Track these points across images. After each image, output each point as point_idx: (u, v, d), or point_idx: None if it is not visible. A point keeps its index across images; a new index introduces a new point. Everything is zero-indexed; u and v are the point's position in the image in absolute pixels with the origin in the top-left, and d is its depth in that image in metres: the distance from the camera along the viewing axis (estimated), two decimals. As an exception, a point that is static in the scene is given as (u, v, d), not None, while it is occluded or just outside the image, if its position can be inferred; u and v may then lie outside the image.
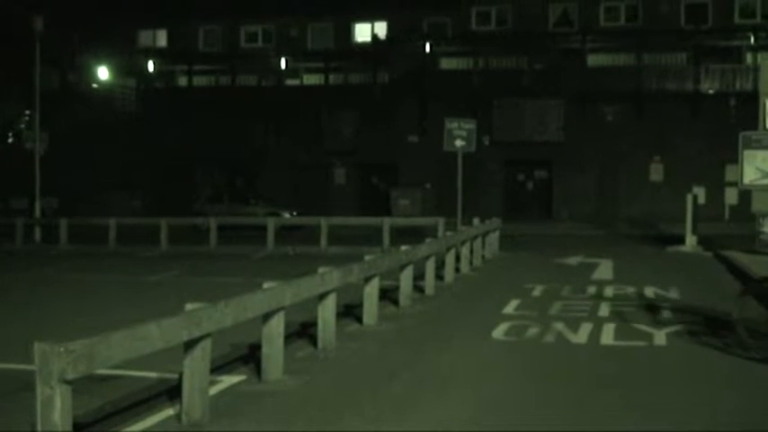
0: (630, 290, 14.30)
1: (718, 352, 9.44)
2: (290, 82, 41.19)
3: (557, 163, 35.93)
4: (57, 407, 5.04)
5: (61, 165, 35.04)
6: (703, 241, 22.21)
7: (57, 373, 5.00)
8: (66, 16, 37.13)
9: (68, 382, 5.10)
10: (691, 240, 22.07)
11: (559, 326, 10.85)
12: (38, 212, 29.04)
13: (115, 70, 42.27)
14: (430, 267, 14.26)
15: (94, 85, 42.62)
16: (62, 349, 5.03)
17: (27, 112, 38.01)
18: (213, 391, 7.34)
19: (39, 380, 5.03)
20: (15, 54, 38.25)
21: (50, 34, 30.20)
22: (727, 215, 33.82)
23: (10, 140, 40.16)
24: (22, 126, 38.84)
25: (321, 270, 9.51)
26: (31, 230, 27.23)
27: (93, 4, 40.32)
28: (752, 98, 31.98)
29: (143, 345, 5.92)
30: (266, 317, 8.00)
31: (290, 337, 9.30)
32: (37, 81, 29.43)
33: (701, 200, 26.92)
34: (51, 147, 30.55)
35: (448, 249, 15.91)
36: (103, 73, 42.45)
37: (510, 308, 12.48)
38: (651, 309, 12.33)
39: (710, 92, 35.19)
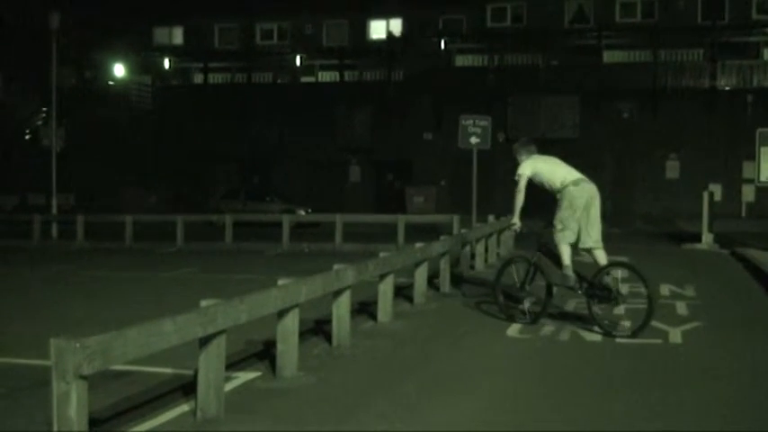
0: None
1: (735, 349, 9.42)
2: (305, 79, 41.29)
3: (572, 160, 35.67)
4: (72, 402, 5.06)
5: (78, 162, 35.27)
6: (720, 239, 22.10)
7: (72, 369, 5.02)
8: (83, 14, 37.33)
9: (84, 378, 5.13)
10: (707, 238, 21.97)
11: (574, 323, 10.81)
12: (55, 209, 29.19)
13: (131, 68, 42.48)
14: (445, 265, 14.24)
15: (111, 83, 42.86)
16: (78, 345, 5.05)
17: (44, 109, 38.24)
18: (228, 387, 7.36)
19: (54, 375, 5.05)
20: (32, 51, 38.50)
21: (67, 31, 30.36)
22: (744, 212, 33.68)
23: (27, 137, 40.40)
24: (39, 123, 39.09)
25: (336, 267, 9.51)
26: (48, 227, 27.38)
27: (109, 2, 40.50)
28: (769, 95, 31.95)
29: (158, 341, 5.94)
30: (281, 314, 8.01)
31: (304, 334, 9.32)
32: (53, 78, 29.57)
33: (718, 197, 26.83)
34: (68, 144, 30.72)
35: (463, 246, 15.89)
36: (119, 70, 42.66)
37: (525, 305, 12.43)
38: (667, 306, 12.27)
39: (727, 88, 35.02)
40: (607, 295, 10.23)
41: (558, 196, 10.62)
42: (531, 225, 11.44)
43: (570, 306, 12.28)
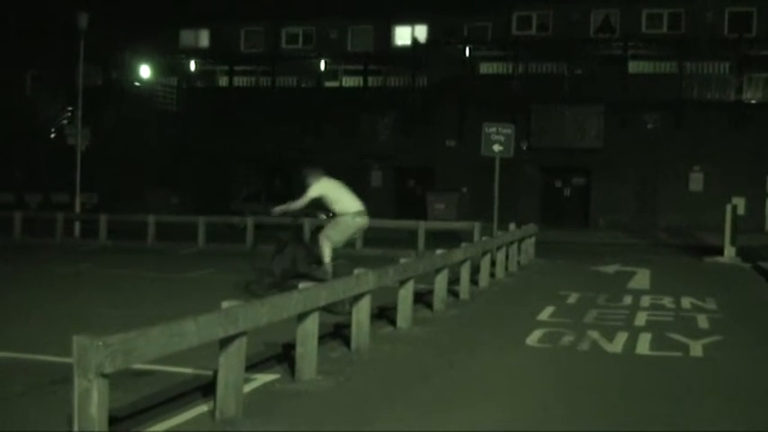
0: (667, 299, 14.19)
1: (757, 364, 9.35)
2: (329, 84, 41.34)
3: (595, 170, 35.70)
4: (94, 400, 5.10)
5: (102, 161, 35.45)
6: (742, 252, 21.96)
7: (94, 367, 5.05)
8: (111, 15, 37.58)
9: (105, 376, 5.16)
10: (729, 251, 21.82)
11: (594, 334, 10.78)
12: (78, 208, 29.37)
13: (157, 69, 42.70)
14: (465, 272, 14.23)
15: (136, 84, 43.09)
16: (100, 343, 5.08)
17: (69, 108, 38.50)
18: (247, 388, 7.39)
19: (76, 373, 5.09)
20: (59, 50, 38.80)
21: (94, 32, 30.56)
22: (767, 226, 33.43)
23: (52, 136, 40.70)
24: (65, 122, 39.35)
25: (356, 272, 9.53)
26: (71, 225, 27.56)
27: (136, 3, 40.78)
28: (796, 109, 31.72)
29: (180, 341, 5.97)
30: (301, 317, 8.04)
31: (324, 337, 9.34)
32: (80, 78, 29.78)
33: (741, 210, 26.59)
34: (92, 143, 30.91)
35: (483, 254, 15.87)
36: (145, 71, 42.89)
37: (545, 315, 12.43)
38: (688, 319, 12.22)
39: (753, 102, 34.77)
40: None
41: (335, 218, 12.94)
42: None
43: (590, 317, 12.25)
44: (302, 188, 13.26)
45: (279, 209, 13.33)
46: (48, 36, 40.27)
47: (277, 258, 13.57)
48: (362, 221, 13.03)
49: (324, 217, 14.66)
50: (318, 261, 12.88)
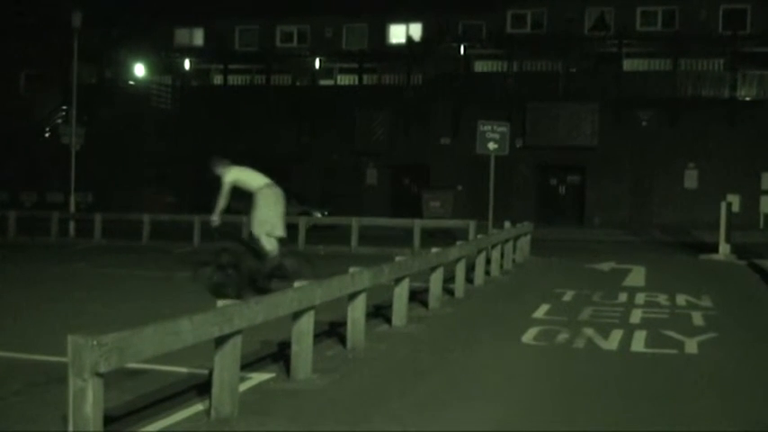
0: (662, 297, 14.20)
1: (752, 361, 9.37)
2: (324, 82, 41.33)
3: (590, 168, 35.74)
4: (89, 399, 5.08)
5: (97, 160, 35.41)
6: (737, 250, 21.99)
7: (89, 366, 5.04)
8: (105, 13, 37.53)
9: (100, 375, 5.15)
10: (724, 248, 21.85)
11: (590, 332, 10.79)
12: (73, 207, 29.33)
13: (152, 68, 42.65)
14: (460, 270, 14.23)
15: (131, 82, 43.03)
16: (95, 342, 5.07)
17: (64, 107, 38.43)
18: (243, 387, 7.38)
19: (71, 372, 5.07)
20: (54, 49, 38.74)
21: (89, 30, 30.50)
22: (762, 224, 33.51)
23: (47, 135, 40.62)
24: (59, 121, 39.28)
25: (352, 270, 9.52)
26: (66, 224, 27.52)
27: (130, 2, 40.71)
28: (790, 106, 31.74)
29: (174, 339, 5.95)
30: (296, 315, 8.03)
31: (319, 336, 9.33)
32: (74, 77, 29.73)
33: (736, 208, 26.65)
34: (87, 142, 30.86)
35: (479, 252, 15.86)
36: (140, 70, 42.84)
37: (540, 312, 12.43)
38: (683, 316, 12.23)
39: (747, 99, 34.82)
40: (284, 273, 12.73)
41: (256, 196, 13.13)
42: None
43: (585, 315, 12.26)
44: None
45: (216, 215, 13.44)
46: (42, 35, 40.19)
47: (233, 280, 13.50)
48: (277, 190, 13.26)
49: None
50: (262, 254, 13.07)
